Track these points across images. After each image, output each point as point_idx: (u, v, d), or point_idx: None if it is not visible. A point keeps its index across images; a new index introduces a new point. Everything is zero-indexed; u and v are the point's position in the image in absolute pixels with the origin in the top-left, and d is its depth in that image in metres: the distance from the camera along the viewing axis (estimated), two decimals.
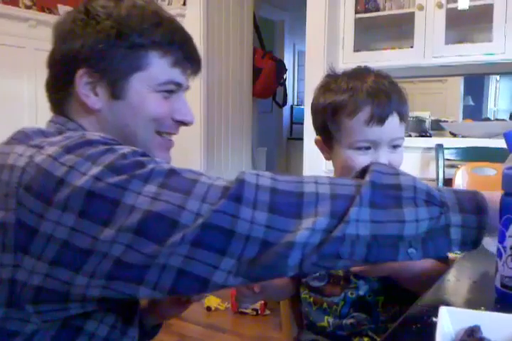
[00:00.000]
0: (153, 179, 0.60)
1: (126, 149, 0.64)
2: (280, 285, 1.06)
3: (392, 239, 0.60)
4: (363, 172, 0.66)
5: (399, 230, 0.60)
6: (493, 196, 0.66)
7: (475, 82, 3.26)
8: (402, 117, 0.98)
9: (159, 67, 0.77)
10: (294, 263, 0.59)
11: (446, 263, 0.99)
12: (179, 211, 0.58)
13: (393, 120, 0.96)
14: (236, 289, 0.97)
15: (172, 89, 0.80)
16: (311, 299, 1.06)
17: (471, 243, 0.64)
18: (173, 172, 0.62)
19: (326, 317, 1.03)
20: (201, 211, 0.58)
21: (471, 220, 0.63)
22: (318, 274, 1.04)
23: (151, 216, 0.58)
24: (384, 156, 0.97)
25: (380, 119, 0.95)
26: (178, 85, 0.81)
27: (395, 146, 0.99)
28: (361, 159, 0.97)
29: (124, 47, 0.75)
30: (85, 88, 0.76)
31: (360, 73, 1.02)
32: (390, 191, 0.61)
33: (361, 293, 1.00)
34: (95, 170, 0.60)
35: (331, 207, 0.59)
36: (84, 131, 0.74)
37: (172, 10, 3.34)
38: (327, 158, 1.07)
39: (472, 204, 0.63)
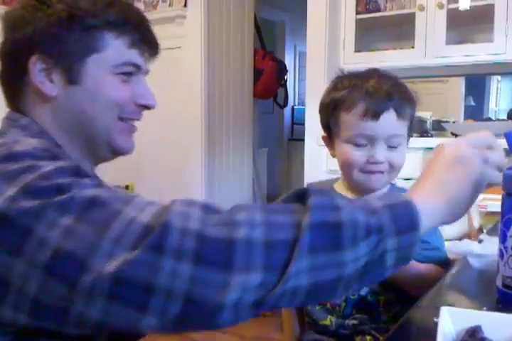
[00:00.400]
0: (71, 209, 0.54)
1: (52, 166, 0.58)
2: None
3: (332, 283, 0.56)
4: (301, 195, 0.60)
5: (339, 273, 0.55)
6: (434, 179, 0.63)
7: (476, 82, 3.25)
8: (401, 115, 0.98)
9: (115, 48, 0.74)
10: (224, 321, 0.54)
11: (447, 265, 0.99)
12: (91, 251, 0.52)
13: (389, 116, 0.97)
14: None
15: (130, 71, 0.77)
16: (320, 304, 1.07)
17: (405, 262, 0.61)
18: (94, 201, 0.55)
19: (329, 316, 1.04)
20: (115, 255, 0.51)
21: (406, 240, 0.58)
22: None
23: (62, 253, 0.52)
24: (381, 153, 0.98)
25: (375, 114, 0.96)
26: (137, 67, 0.78)
27: (395, 145, 0.99)
28: (357, 154, 0.99)
29: (78, 30, 0.72)
30: (40, 75, 0.73)
31: (366, 73, 1.05)
32: (329, 232, 0.55)
33: (362, 293, 1.01)
34: (11, 190, 0.55)
35: (267, 259, 0.53)
36: (18, 138, 0.68)
37: (173, 11, 3.34)
38: (332, 155, 1.09)
39: (407, 220, 0.58)
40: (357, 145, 0.99)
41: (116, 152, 0.80)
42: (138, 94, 0.78)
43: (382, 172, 1.00)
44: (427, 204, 0.60)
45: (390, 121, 0.97)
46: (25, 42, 0.72)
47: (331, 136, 1.07)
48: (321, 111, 1.08)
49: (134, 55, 0.77)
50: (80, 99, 0.74)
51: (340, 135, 1.02)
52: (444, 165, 0.64)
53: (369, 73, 1.05)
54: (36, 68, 0.72)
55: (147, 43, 0.79)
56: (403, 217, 0.58)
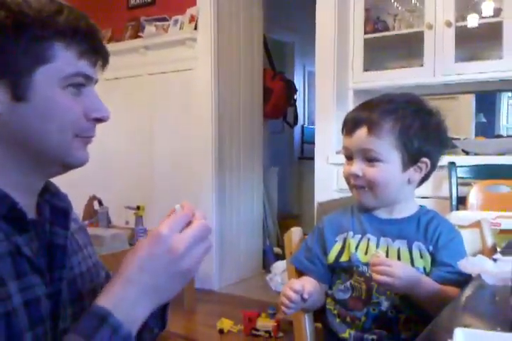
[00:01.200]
0: None
1: None
2: (319, 291, 1.08)
3: None
4: None
5: None
6: None
7: (487, 99, 3.25)
8: (374, 132, 1.02)
9: (66, 59, 0.68)
10: None
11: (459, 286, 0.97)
12: None
13: (360, 131, 1.03)
14: (283, 294, 0.98)
15: (81, 83, 0.71)
16: (336, 311, 1.08)
17: None
18: None
19: (348, 330, 1.05)
20: None
21: None
22: (342, 286, 1.05)
23: None
24: (356, 166, 1.04)
25: (348, 129, 1.07)
26: (88, 78, 0.72)
27: (370, 160, 1.03)
28: (345, 167, 1.08)
29: (25, 40, 0.65)
30: None
31: (382, 97, 1.10)
32: None
33: (383, 308, 1.01)
34: None
35: None
36: None
37: (184, 34, 3.40)
38: None
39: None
40: (345, 157, 1.08)
41: (70, 167, 0.75)
42: (90, 108, 0.72)
43: (363, 187, 1.05)
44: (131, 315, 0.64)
45: (360, 136, 1.03)
46: None
47: None
48: None
49: (84, 65, 0.71)
50: (28, 118, 0.67)
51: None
52: (141, 267, 0.66)
53: (384, 98, 1.09)
54: None
55: (97, 53, 0.74)
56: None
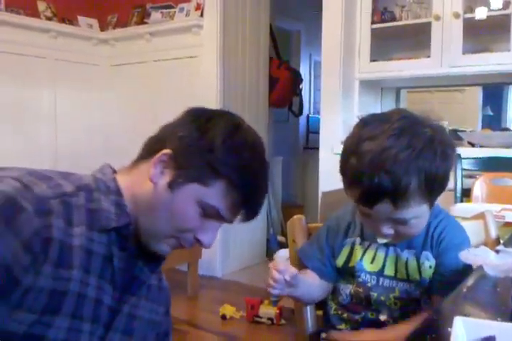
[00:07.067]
0: None
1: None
2: (312, 284, 1.08)
3: None
4: None
5: None
6: None
7: (494, 92, 3.23)
8: (401, 204, 0.88)
9: (214, 192, 0.79)
10: None
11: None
12: None
13: (384, 206, 0.89)
14: (271, 273, 0.95)
15: (211, 215, 0.80)
16: (335, 309, 1.11)
17: None
18: None
19: (343, 324, 1.09)
20: None
21: None
22: (345, 292, 1.08)
23: None
24: (384, 230, 0.94)
25: (366, 204, 0.92)
26: (220, 217, 0.81)
27: (400, 222, 0.93)
28: (366, 222, 1.00)
29: (207, 165, 0.78)
30: (159, 162, 0.80)
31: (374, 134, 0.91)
32: None
33: (381, 318, 1.03)
34: None
35: None
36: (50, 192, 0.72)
37: (190, 21, 3.39)
38: None
39: None
40: (362, 213, 0.97)
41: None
42: (202, 230, 0.81)
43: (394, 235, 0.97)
44: None
45: (385, 210, 0.90)
46: (174, 141, 0.81)
47: None
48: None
49: (225, 206, 0.80)
50: (161, 200, 0.79)
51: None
52: None
53: (379, 128, 0.91)
54: (162, 157, 0.80)
55: (247, 208, 0.83)
56: None
